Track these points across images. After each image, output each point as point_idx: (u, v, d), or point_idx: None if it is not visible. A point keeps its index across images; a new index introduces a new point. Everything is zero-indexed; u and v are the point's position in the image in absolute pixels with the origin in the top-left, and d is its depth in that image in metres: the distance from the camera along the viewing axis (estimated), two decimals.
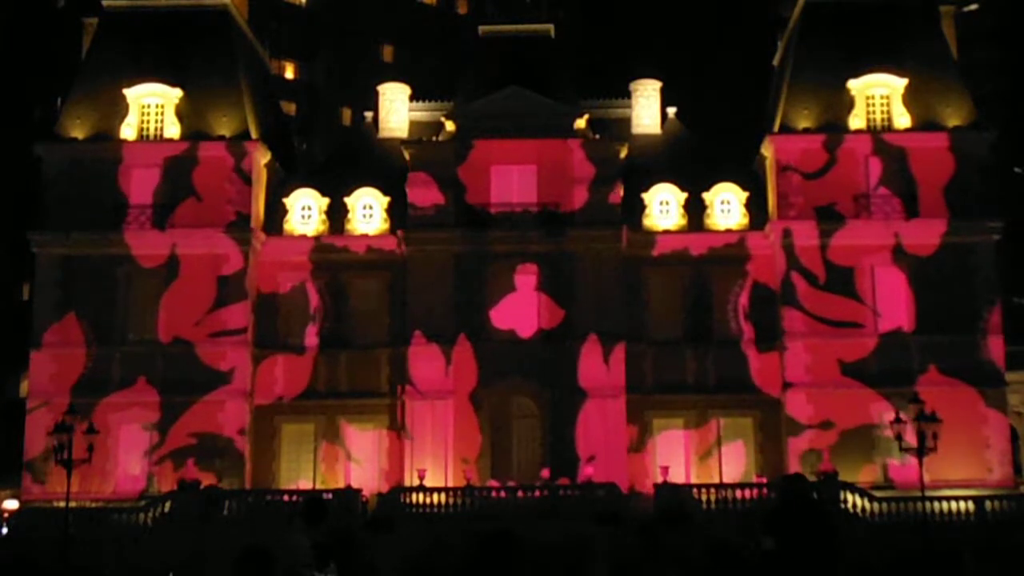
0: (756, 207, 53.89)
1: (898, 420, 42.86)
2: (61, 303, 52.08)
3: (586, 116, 54.89)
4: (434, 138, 55.77)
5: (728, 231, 53.58)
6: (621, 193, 53.24)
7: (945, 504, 44.82)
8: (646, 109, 59.25)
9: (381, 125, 59.78)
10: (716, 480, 50.09)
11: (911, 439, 42.18)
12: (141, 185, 52.95)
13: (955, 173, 52.16)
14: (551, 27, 58.19)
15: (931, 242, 51.78)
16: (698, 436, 52.05)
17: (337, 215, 54.43)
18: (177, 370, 51.25)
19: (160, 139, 53.69)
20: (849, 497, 45.17)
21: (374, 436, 52.40)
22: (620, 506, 45.37)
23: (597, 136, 54.71)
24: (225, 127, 54.06)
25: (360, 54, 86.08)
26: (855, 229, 51.87)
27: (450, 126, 55.04)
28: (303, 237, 54.06)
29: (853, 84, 53.39)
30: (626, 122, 58.78)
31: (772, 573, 14.05)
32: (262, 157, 54.29)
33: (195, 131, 53.76)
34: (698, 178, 54.12)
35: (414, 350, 51.97)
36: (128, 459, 50.64)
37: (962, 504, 44.91)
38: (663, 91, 59.63)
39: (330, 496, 44.57)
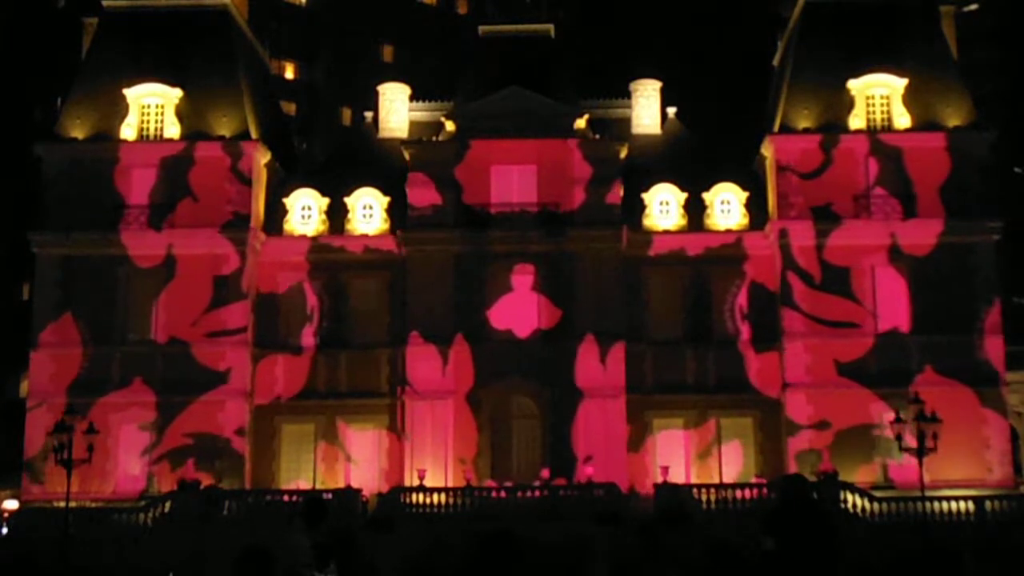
0: (756, 207, 53.89)
1: (898, 420, 42.89)
2: (61, 303, 52.10)
3: (586, 116, 54.88)
4: (434, 138, 55.77)
5: (728, 231, 53.59)
6: (621, 193, 53.25)
7: (945, 504, 44.81)
8: (646, 109, 59.27)
9: (381, 125, 59.80)
10: (716, 480, 50.10)
11: (911, 439, 42.22)
12: (141, 185, 52.98)
13: (955, 173, 52.17)
14: (551, 27, 58.19)
15: (930, 242, 51.80)
16: (698, 436, 52.06)
17: (337, 215, 54.44)
18: (177, 370, 51.29)
19: (160, 139, 53.71)
20: (849, 497, 45.17)
21: (374, 436, 52.41)
22: (620, 506, 45.36)
23: (597, 136, 54.71)
24: (225, 127, 54.07)
25: (360, 54, 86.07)
26: (854, 229, 51.88)
27: (450, 126, 55.04)
28: (303, 237, 54.07)
29: (853, 84, 53.40)
30: (626, 122, 58.79)
31: (772, 573, 14.05)
32: (262, 157, 54.29)
33: (195, 131, 53.77)
34: (698, 178, 54.13)
35: (413, 350, 51.98)
36: (128, 459, 50.65)
37: (962, 504, 44.89)
38: (663, 91, 59.65)
39: (330, 496, 44.56)
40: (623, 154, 53.83)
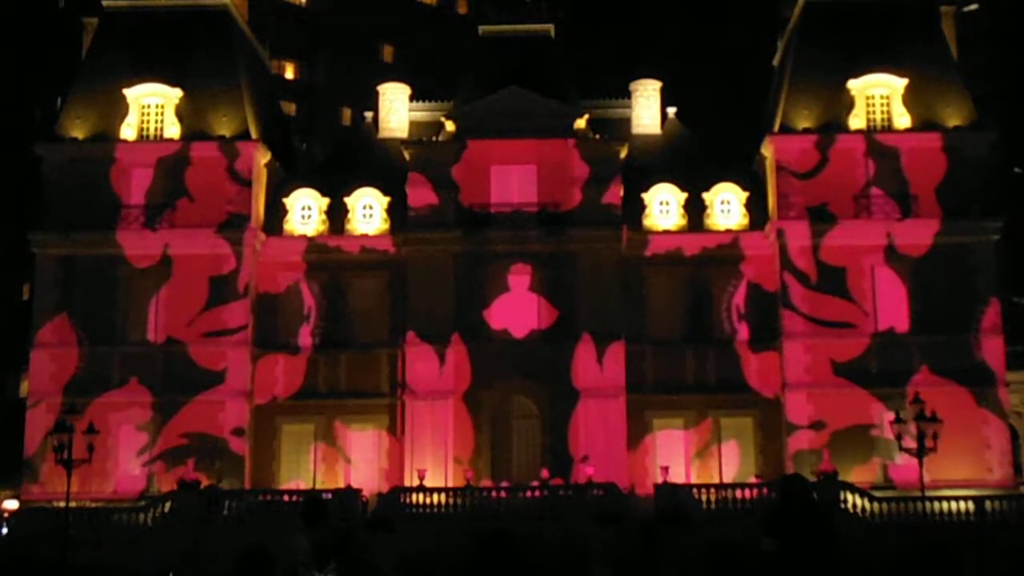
0: (756, 207, 53.91)
1: (898, 420, 42.91)
2: (60, 303, 52.14)
3: (586, 116, 54.87)
4: (434, 138, 55.77)
5: (728, 231, 53.60)
6: (621, 193, 53.26)
7: (945, 504, 44.80)
8: (646, 109, 59.28)
9: (381, 125, 59.81)
10: (716, 480, 50.11)
11: (910, 440, 42.24)
12: (140, 185, 53.01)
13: (954, 173, 52.17)
14: (551, 27, 58.17)
15: (929, 242, 51.79)
16: (698, 436, 52.07)
17: (337, 215, 54.45)
18: (177, 370, 51.34)
19: (160, 139, 53.73)
20: (849, 497, 45.16)
21: (374, 436, 52.44)
22: (620, 506, 45.31)
23: (597, 136, 54.70)
24: (225, 127, 54.08)
25: (360, 54, 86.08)
26: (854, 229, 51.88)
27: (450, 126, 55.04)
28: (303, 237, 54.08)
29: (853, 84, 53.41)
30: (626, 122, 58.81)
31: (772, 573, 14.05)
32: (262, 157, 54.31)
33: (195, 131, 53.79)
34: (698, 178, 54.14)
35: (412, 350, 51.99)
36: (128, 459, 50.70)
37: (962, 504, 44.87)
38: (663, 91, 59.67)
39: (330, 496, 44.54)
40: (623, 154, 53.84)
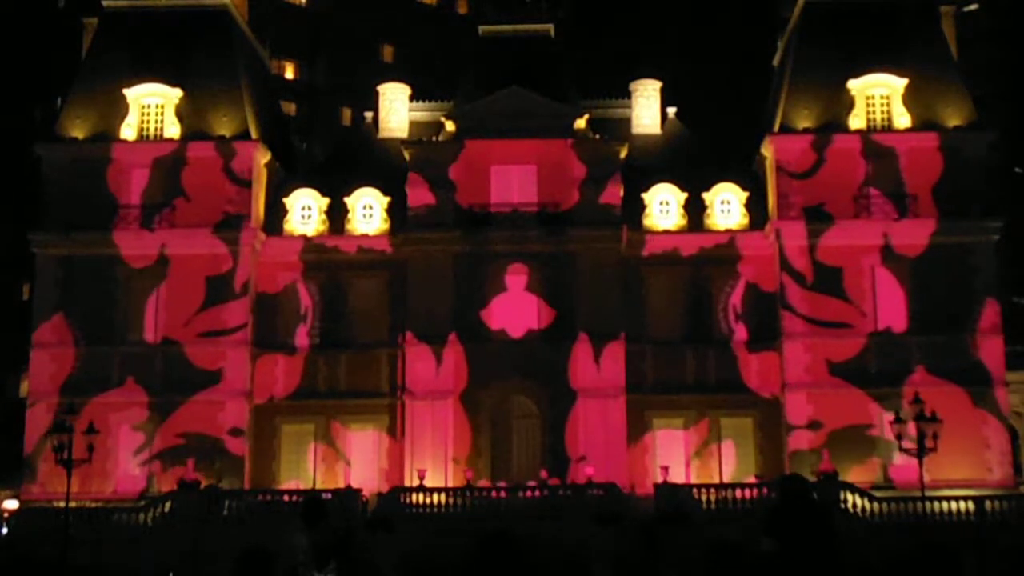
0: (756, 207, 53.91)
1: (898, 420, 42.91)
2: (60, 303, 52.16)
3: (586, 116, 54.87)
4: (434, 138, 55.77)
5: (728, 231, 53.60)
6: (621, 193, 53.26)
7: (945, 504, 44.79)
8: (646, 109, 59.28)
9: (381, 125, 59.82)
10: (716, 480, 50.11)
11: (909, 440, 42.25)
12: (139, 185, 53.02)
13: (953, 173, 52.15)
14: (551, 27, 58.16)
15: (931, 242, 51.78)
16: (698, 436, 52.07)
17: (337, 215, 54.46)
18: (177, 370, 51.35)
19: (160, 139, 53.73)
20: (849, 497, 45.16)
21: (374, 436, 52.44)
22: (620, 506, 45.34)
23: (597, 136, 54.70)
24: (225, 127, 54.09)
25: (360, 54, 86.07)
26: (854, 229, 51.87)
27: (450, 126, 55.04)
28: (303, 237, 54.09)
29: (853, 84, 53.40)
30: (626, 122, 58.81)
31: (772, 573, 14.05)
32: (262, 157, 54.31)
33: (195, 131, 53.79)
34: (698, 178, 54.15)
35: (412, 351, 52.00)
36: (128, 459, 50.69)
37: (962, 504, 44.87)
38: (663, 91, 59.66)
39: (330, 496, 44.55)
40: (623, 154, 53.84)
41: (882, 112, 53.40)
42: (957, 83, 54.15)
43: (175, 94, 54.07)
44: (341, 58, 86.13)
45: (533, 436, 51.98)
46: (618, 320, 52.16)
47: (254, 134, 54.14)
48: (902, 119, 53.13)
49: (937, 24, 55.23)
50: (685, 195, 54.00)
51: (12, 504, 54.25)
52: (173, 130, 53.75)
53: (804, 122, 53.49)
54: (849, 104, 53.48)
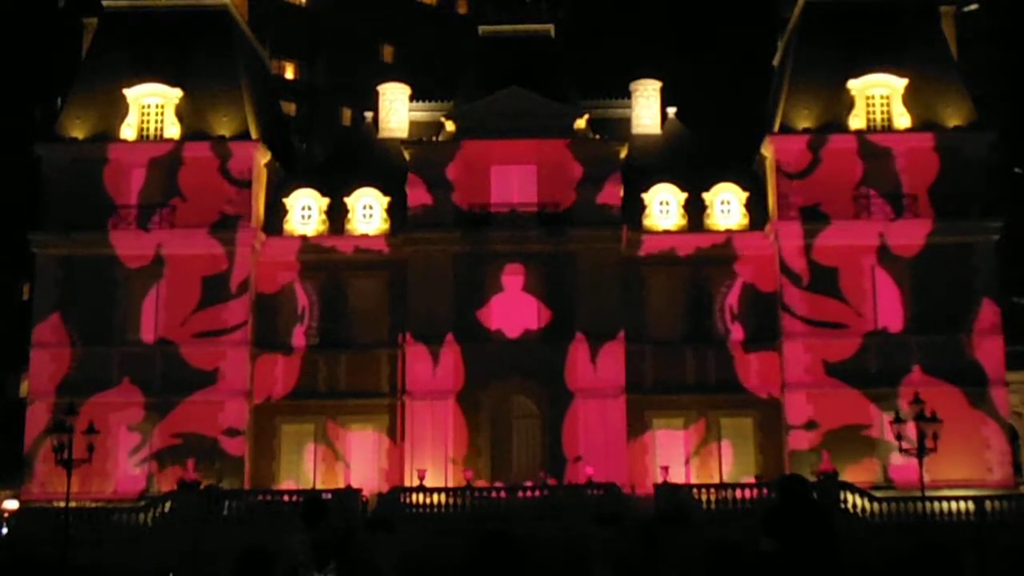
0: (756, 207, 53.91)
1: (898, 420, 42.90)
2: (60, 303, 52.16)
3: (586, 116, 54.88)
4: (434, 138, 55.78)
5: (728, 231, 53.61)
6: (621, 193, 53.26)
7: (945, 504, 44.79)
8: (646, 109, 59.29)
9: (381, 125, 59.83)
10: (716, 480, 50.11)
11: (907, 441, 42.25)
12: (136, 185, 53.03)
13: (954, 173, 52.16)
14: (551, 27, 58.17)
15: (931, 242, 51.77)
16: (698, 436, 52.07)
17: (337, 215, 54.47)
18: (176, 370, 51.36)
19: (160, 139, 53.74)
20: (849, 497, 45.16)
21: (374, 436, 52.45)
22: (620, 506, 45.32)
23: (597, 136, 54.70)
24: (225, 127, 54.09)
25: (360, 54, 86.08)
26: (854, 229, 51.87)
27: (450, 126, 55.05)
28: (302, 237, 54.10)
29: (853, 84, 53.41)
30: (626, 122, 58.82)
31: (772, 573, 14.05)
32: (262, 157, 54.32)
33: (195, 131, 53.80)
34: (698, 178, 54.16)
35: (411, 351, 52.00)
36: (127, 459, 50.69)
37: (962, 504, 44.87)
38: (663, 91, 59.68)
39: (330, 496, 44.53)
40: (623, 154, 53.84)
41: (882, 112, 53.40)
42: (957, 83, 54.16)
43: (175, 94, 54.07)
44: (341, 58, 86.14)
45: (533, 436, 51.99)
46: (618, 320, 52.16)
47: (254, 134, 54.15)
48: (902, 119, 53.13)
49: (937, 24, 55.24)
50: (685, 195, 54.01)
51: (12, 504, 54.25)
52: (173, 130, 53.76)
53: (804, 122, 53.48)
54: (849, 104, 53.49)
